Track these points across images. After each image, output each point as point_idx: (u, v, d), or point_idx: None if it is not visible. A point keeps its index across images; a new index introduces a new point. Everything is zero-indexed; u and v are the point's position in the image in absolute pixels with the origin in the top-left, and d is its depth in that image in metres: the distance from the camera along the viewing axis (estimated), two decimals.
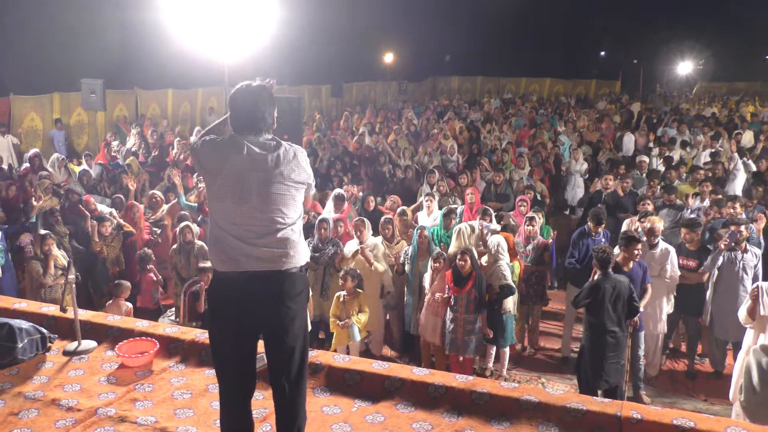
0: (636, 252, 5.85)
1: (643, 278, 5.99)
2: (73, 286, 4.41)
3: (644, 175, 10.17)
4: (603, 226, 7.02)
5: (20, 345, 4.11)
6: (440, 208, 8.65)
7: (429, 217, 8.03)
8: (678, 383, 6.56)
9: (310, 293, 5.59)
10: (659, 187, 9.03)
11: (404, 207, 7.86)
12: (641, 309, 5.73)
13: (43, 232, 6.91)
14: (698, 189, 8.92)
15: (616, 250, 6.00)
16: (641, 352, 6.17)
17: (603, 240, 6.91)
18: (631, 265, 5.89)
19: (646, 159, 10.84)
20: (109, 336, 4.53)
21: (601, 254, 5.59)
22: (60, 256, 6.79)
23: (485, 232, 6.68)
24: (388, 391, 3.83)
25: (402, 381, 3.84)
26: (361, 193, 9.23)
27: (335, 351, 6.05)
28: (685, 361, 6.87)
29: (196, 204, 8.21)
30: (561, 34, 35.87)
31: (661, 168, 10.82)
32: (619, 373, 5.56)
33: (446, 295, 6.18)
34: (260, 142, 3.00)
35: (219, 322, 3.06)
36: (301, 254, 3.06)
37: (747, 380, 2.01)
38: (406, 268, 6.92)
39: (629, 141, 14.14)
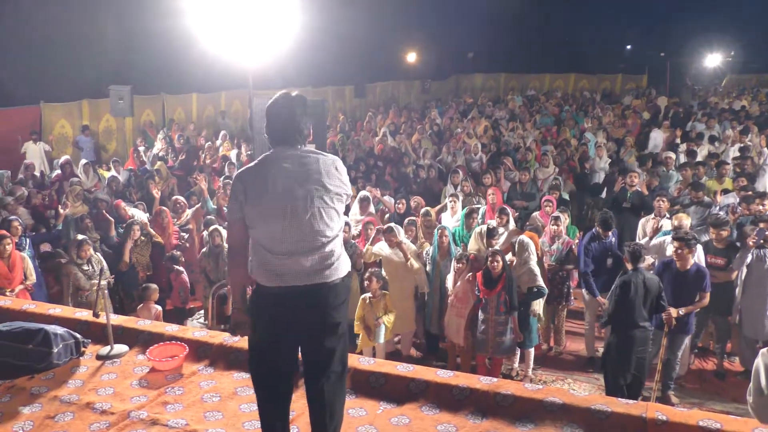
0: (682, 251, 5.84)
1: (698, 283, 5.86)
2: (106, 291, 4.54)
3: (670, 171, 10.04)
4: (611, 230, 6.89)
5: (55, 350, 4.24)
6: (464, 208, 8.68)
7: (453, 218, 8.05)
8: (707, 382, 6.49)
9: None
10: (690, 183, 8.87)
11: (428, 208, 7.87)
12: (681, 312, 5.73)
13: (80, 237, 7.09)
14: (732, 185, 8.79)
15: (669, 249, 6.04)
16: (679, 353, 6.12)
17: (614, 240, 6.87)
18: (688, 265, 5.87)
19: (672, 155, 10.63)
20: (140, 340, 4.64)
21: (634, 247, 5.63)
22: (99, 260, 6.98)
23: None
24: (413, 393, 3.86)
25: (426, 383, 3.88)
26: (387, 197, 9.26)
27: (361, 353, 6.10)
28: (715, 360, 6.80)
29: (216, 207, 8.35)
30: (585, 29, 35.48)
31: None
32: (645, 367, 5.56)
33: (476, 293, 6.21)
34: (298, 156, 3.02)
35: (261, 334, 3.10)
36: (344, 264, 3.12)
37: (756, 382, 2.02)
38: (428, 268, 6.95)
39: (657, 137, 13.94)
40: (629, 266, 5.63)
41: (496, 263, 6.06)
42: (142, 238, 7.71)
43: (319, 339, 3.08)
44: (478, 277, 6.19)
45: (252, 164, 3.09)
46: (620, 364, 5.54)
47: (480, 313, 6.19)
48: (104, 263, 7.00)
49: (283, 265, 2.97)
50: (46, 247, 7.94)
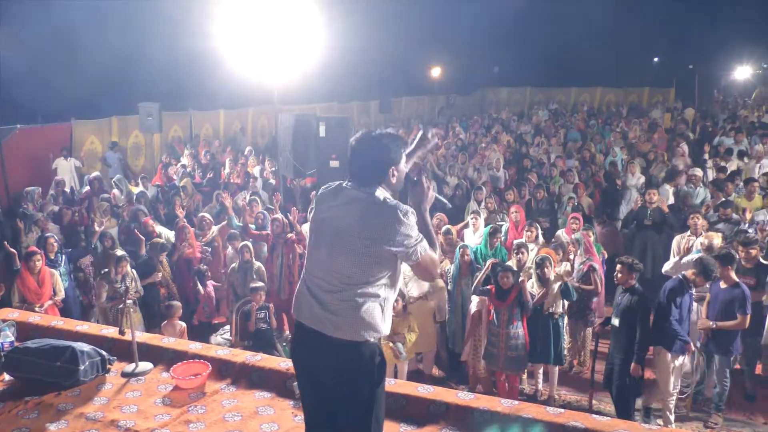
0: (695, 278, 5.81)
1: (736, 303, 5.77)
2: (131, 309, 4.62)
3: (697, 189, 9.84)
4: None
5: (82, 367, 4.30)
6: (487, 225, 8.65)
7: (475, 235, 8.04)
8: (736, 405, 6.35)
9: None
10: (720, 201, 8.67)
11: (449, 226, 7.86)
12: (714, 326, 5.89)
13: (119, 253, 7.20)
14: (762, 202, 8.65)
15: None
16: (727, 371, 6.05)
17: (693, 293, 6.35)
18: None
19: (698, 172, 10.42)
20: (164, 358, 4.70)
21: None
22: (133, 277, 7.07)
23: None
24: (434, 415, 3.85)
25: (447, 405, 3.86)
26: None
27: None
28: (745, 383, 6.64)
29: (242, 225, 8.43)
30: (612, 42, 35.17)
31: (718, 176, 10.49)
32: None
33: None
34: (354, 194, 2.83)
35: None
36: (355, 327, 2.74)
37: None
38: (449, 287, 6.94)
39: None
40: (634, 282, 5.69)
41: (506, 279, 6.07)
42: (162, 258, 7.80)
43: (317, 397, 2.90)
44: (491, 289, 6.22)
45: (325, 189, 2.98)
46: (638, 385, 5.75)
47: (489, 327, 6.17)
48: (138, 281, 7.09)
49: (302, 294, 2.91)
50: (87, 261, 8.07)
